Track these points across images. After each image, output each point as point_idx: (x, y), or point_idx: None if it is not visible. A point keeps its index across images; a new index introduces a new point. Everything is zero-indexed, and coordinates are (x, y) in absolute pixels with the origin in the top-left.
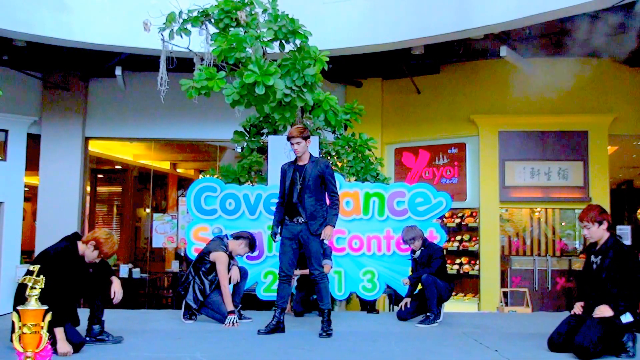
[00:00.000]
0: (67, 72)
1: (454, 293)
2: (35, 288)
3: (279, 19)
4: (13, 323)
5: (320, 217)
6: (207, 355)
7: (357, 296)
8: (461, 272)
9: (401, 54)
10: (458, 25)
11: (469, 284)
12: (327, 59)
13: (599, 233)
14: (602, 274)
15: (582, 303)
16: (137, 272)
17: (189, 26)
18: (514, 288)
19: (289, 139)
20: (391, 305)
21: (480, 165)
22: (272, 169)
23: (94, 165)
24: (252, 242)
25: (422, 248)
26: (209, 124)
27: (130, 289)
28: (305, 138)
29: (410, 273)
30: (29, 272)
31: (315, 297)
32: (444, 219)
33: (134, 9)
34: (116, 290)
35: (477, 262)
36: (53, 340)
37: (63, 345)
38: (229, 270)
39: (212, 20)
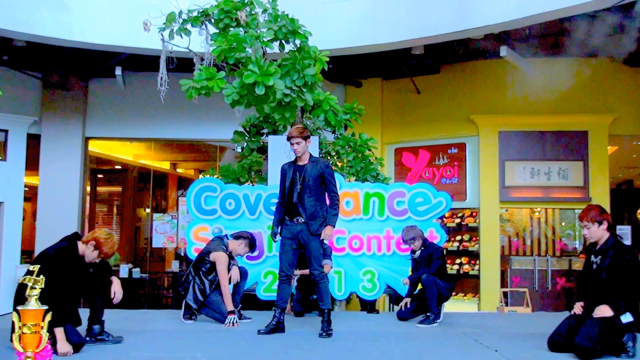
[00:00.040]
0: (67, 72)
1: (454, 293)
2: (35, 288)
3: (279, 19)
4: (13, 323)
5: (320, 217)
6: (207, 355)
7: (357, 296)
8: (461, 272)
9: (401, 54)
10: (458, 25)
11: (469, 284)
12: (327, 59)
13: (599, 233)
14: (602, 274)
15: (582, 303)
16: (137, 272)
17: (188, 26)
18: (514, 288)
19: (288, 139)
20: (391, 305)
21: (480, 165)
22: (272, 169)
23: (94, 165)
24: (252, 242)
25: (422, 248)
26: (209, 124)
27: (130, 289)
28: (305, 138)
29: (410, 273)
30: (29, 272)
31: (315, 297)
32: (444, 219)
33: (134, 9)
34: (116, 290)
35: (477, 262)
36: (53, 340)
37: (63, 345)
38: (229, 270)
39: (212, 20)
